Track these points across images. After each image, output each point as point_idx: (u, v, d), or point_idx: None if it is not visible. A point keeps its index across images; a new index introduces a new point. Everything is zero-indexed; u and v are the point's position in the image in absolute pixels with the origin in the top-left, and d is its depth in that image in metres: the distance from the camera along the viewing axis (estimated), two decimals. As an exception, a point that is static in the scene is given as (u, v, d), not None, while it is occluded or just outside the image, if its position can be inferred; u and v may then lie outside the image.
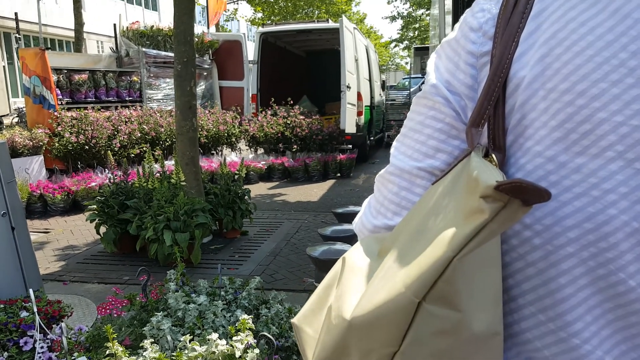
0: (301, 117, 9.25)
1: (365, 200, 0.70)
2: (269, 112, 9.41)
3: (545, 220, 0.50)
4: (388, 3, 30.68)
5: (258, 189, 7.84)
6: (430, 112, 0.59)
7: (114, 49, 9.41)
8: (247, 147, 9.74)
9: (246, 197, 5.19)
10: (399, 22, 29.43)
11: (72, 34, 13.42)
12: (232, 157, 9.01)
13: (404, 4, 25.89)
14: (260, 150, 9.55)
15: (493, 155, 0.53)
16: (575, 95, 0.48)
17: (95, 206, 4.63)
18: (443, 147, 0.58)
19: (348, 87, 8.76)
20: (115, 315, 2.20)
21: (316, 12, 24.46)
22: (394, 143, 0.65)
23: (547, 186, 0.50)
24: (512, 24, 0.54)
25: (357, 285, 0.54)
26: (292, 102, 9.60)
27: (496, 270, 0.49)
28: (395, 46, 32.94)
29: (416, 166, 0.60)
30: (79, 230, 5.63)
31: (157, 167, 4.79)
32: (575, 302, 0.50)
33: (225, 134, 9.51)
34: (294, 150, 9.06)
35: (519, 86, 0.52)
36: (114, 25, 9.38)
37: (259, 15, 22.66)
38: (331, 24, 10.08)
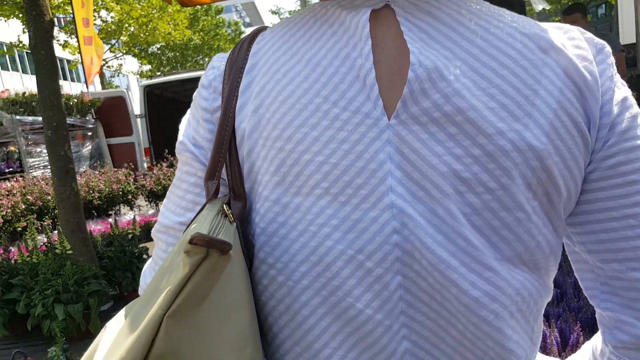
0: (199, 164, 9.09)
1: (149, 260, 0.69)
2: (165, 165, 9.19)
3: (283, 258, 0.54)
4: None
5: (162, 244, 7.54)
6: (185, 167, 0.61)
7: (-17, 121, 8.77)
8: (147, 203, 9.40)
9: (144, 255, 5.03)
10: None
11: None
12: (130, 215, 8.64)
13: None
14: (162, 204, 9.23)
15: (225, 206, 0.55)
16: (285, 141, 0.53)
17: (-28, 293, 4.23)
18: (200, 200, 0.59)
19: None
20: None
21: (206, 59, 24.40)
22: (164, 200, 0.66)
23: (277, 227, 0.54)
24: (232, 79, 0.58)
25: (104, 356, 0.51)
26: (187, 150, 9.42)
27: (244, 312, 0.51)
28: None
29: (178, 221, 0.60)
30: (-41, 323, 5.07)
31: (42, 238, 4.50)
32: (319, 331, 0.54)
33: (120, 193, 9.12)
34: (195, 198, 8.85)
35: (244, 137, 0.56)
36: (-18, 96, 8.78)
37: (147, 67, 22.17)
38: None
